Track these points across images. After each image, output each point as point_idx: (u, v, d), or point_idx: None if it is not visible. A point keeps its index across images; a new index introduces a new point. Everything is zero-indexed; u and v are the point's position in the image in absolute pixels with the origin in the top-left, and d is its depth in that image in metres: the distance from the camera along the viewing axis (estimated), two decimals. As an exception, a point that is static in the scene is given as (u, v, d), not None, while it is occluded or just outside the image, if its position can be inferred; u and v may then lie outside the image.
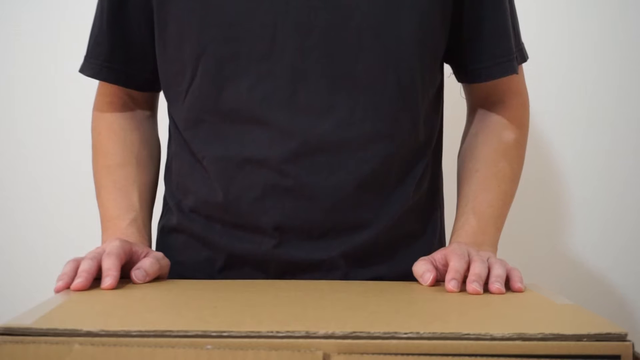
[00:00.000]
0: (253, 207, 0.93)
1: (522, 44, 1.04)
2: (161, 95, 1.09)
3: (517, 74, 1.00)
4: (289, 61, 0.90)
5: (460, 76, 1.05)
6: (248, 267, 0.96)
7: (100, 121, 1.06)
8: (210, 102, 0.93)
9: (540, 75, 1.35)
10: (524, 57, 1.03)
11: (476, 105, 1.06)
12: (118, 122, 1.05)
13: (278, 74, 0.91)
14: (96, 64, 1.02)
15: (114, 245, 0.86)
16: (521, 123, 1.04)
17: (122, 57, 1.01)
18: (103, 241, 0.99)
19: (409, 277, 0.89)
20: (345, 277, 0.95)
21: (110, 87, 1.05)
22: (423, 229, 1.01)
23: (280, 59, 0.90)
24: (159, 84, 1.04)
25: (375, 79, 0.92)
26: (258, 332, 0.59)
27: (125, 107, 1.06)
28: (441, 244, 1.04)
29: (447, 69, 1.05)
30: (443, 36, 0.97)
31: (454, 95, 1.11)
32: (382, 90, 0.92)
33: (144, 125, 1.07)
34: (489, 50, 0.99)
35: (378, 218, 0.95)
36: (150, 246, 1.01)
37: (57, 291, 0.80)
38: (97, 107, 1.07)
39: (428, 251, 0.92)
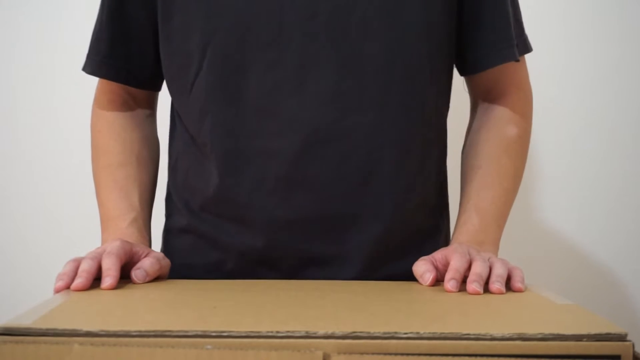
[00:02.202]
0: (265, 201, 0.93)
1: (526, 35, 1.03)
2: (160, 95, 1.09)
3: (517, 61, 1.00)
4: (296, 48, 0.90)
5: (461, 67, 1.04)
6: (260, 266, 0.96)
7: (100, 119, 1.05)
8: (217, 93, 0.93)
9: (539, 76, 1.35)
10: (527, 48, 1.03)
11: (479, 100, 1.06)
12: (119, 121, 1.04)
13: (286, 62, 0.91)
14: (96, 60, 1.02)
15: (114, 246, 0.86)
16: (524, 116, 1.04)
17: (122, 53, 1.01)
18: (103, 241, 0.99)
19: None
20: (359, 274, 0.94)
21: (110, 85, 1.04)
22: (431, 227, 1.01)
23: (288, 46, 0.90)
24: (158, 82, 1.04)
25: (382, 64, 0.92)
26: (258, 332, 0.59)
27: (126, 105, 1.06)
28: (446, 242, 1.04)
29: None
30: (448, 24, 0.97)
31: (456, 93, 1.10)
32: (389, 76, 0.92)
33: (144, 124, 1.07)
34: (488, 37, 0.99)
35: (390, 212, 0.95)
36: (150, 246, 1.01)
37: (57, 291, 0.80)
38: (98, 104, 1.06)
39: (434, 250, 0.92)
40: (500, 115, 1.03)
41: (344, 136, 0.92)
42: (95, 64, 1.02)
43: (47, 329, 0.59)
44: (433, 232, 1.01)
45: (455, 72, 1.05)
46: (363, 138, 0.92)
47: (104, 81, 1.05)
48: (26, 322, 0.60)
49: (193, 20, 0.93)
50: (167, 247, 1.04)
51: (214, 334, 0.59)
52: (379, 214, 0.94)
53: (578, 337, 0.59)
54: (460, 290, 0.81)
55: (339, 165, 0.92)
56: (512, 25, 0.99)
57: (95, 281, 0.82)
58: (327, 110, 0.91)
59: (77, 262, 0.84)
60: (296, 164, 0.91)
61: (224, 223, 0.96)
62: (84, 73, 1.04)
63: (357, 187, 0.93)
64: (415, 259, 0.91)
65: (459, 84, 1.08)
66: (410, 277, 0.91)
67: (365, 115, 0.92)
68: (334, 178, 0.92)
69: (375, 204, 0.94)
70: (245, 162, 0.93)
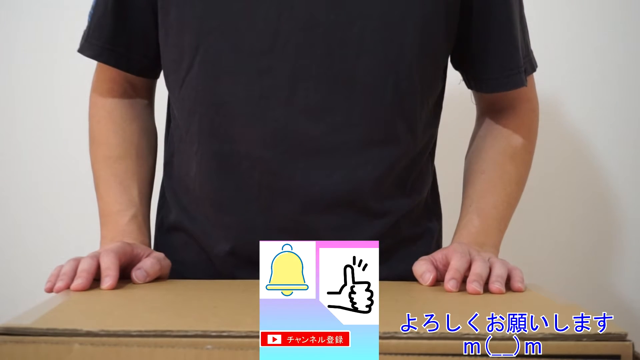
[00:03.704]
0: (247, 207, 0.93)
1: (531, 52, 1.03)
2: (159, 86, 1.09)
3: (525, 86, 1.00)
4: (290, 58, 0.90)
5: (469, 84, 1.04)
6: (240, 271, 0.96)
7: (99, 108, 1.04)
8: (206, 94, 0.93)
9: (541, 76, 1.35)
10: (533, 67, 1.03)
11: (486, 110, 1.06)
12: (118, 111, 1.03)
13: (278, 71, 0.90)
14: (98, 45, 1.00)
15: (113, 245, 0.87)
16: (530, 128, 1.04)
17: (124, 40, 1.00)
18: (102, 237, 0.98)
19: (407, 278, 0.89)
20: None
21: (110, 73, 1.03)
22: (420, 233, 1.01)
23: (281, 55, 0.90)
24: (157, 71, 1.03)
25: (374, 82, 0.91)
26: (258, 332, 0.59)
27: (125, 94, 1.04)
28: (438, 247, 1.04)
29: (458, 76, 1.05)
30: (446, 46, 0.96)
31: (453, 98, 1.10)
32: (381, 94, 0.92)
33: (143, 114, 1.06)
34: (496, 63, 0.98)
35: (373, 224, 0.95)
36: (150, 242, 1.01)
37: (57, 291, 0.80)
38: (96, 93, 1.05)
39: (424, 254, 0.91)
40: (506, 125, 1.03)
41: (329, 150, 0.91)
42: (97, 48, 1.00)
43: (47, 329, 0.59)
44: (420, 237, 1.01)
45: (460, 83, 1.06)
46: (349, 154, 0.92)
47: (104, 69, 1.04)
48: (26, 322, 0.60)
49: (187, 19, 0.93)
50: (159, 243, 1.04)
51: (214, 334, 0.59)
52: (360, 227, 0.94)
53: (578, 337, 0.59)
54: (460, 290, 0.81)
55: (322, 179, 0.92)
56: (520, 50, 0.98)
57: (95, 281, 0.82)
58: (315, 123, 0.91)
59: (77, 262, 0.83)
60: (280, 173, 0.91)
61: (208, 224, 0.96)
62: (83, 73, 1.04)
63: (339, 202, 0.93)
64: (402, 265, 0.91)
65: (459, 88, 1.08)
66: (397, 279, 0.90)
67: (352, 131, 0.92)
68: (316, 191, 0.92)
69: (357, 217, 0.94)
70: (229, 166, 0.93)
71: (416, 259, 0.90)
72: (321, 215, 0.93)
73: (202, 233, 0.98)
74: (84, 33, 1.01)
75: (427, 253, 0.93)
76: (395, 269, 0.94)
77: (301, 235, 0.92)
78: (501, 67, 0.98)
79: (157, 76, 1.06)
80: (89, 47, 1.01)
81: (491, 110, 1.05)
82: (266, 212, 0.93)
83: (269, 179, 0.92)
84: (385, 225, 0.96)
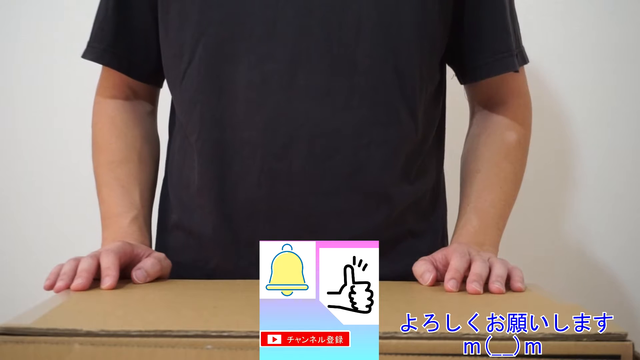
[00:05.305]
0: (249, 193, 0.93)
1: (523, 46, 1.04)
2: (162, 94, 1.09)
3: (517, 71, 1.01)
4: (289, 43, 0.91)
5: (462, 76, 1.05)
6: (242, 261, 0.96)
7: (102, 115, 1.05)
8: (207, 83, 0.93)
9: (540, 76, 1.35)
10: (524, 59, 1.04)
11: (478, 107, 1.06)
12: (120, 117, 1.04)
13: (278, 56, 0.91)
14: (99, 48, 1.02)
15: (114, 245, 0.87)
16: (523, 124, 1.04)
17: (125, 44, 1.01)
18: (103, 239, 0.99)
19: (409, 277, 0.89)
20: None
21: (113, 79, 1.04)
22: (425, 229, 1.01)
23: (281, 41, 0.91)
24: (160, 77, 1.04)
25: (374, 64, 0.92)
26: (258, 332, 0.59)
27: (128, 100, 1.05)
28: (443, 245, 1.04)
29: (450, 70, 1.05)
30: (442, 29, 0.97)
31: (455, 97, 1.10)
32: (381, 76, 0.92)
33: (146, 120, 1.07)
34: (489, 47, 1.00)
35: (377, 211, 0.95)
36: (151, 244, 1.02)
37: (57, 291, 0.80)
38: (99, 99, 1.06)
39: (429, 251, 0.92)
40: (500, 122, 1.03)
41: (331, 133, 0.92)
42: (99, 51, 1.02)
43: (47, 329, 0.59)
44: (426, 233, 1.01)
45: (452, 78, 1.06)
46: (350, 136, 0.92)
47: (107, 75, 1.05)
48: (26, 322, 0.60)
49: (188, 13, 0.94)
50: (161, 244, 1.04)
51: (214, 334, 0.59)
52: (364, 212, 0.94)
53: (578, 337, 0.59)
54: (460, 290, 0.81)
55: (324, 161, 0.92)
56: (511, 35, 1.00)
57: (95, 281, 0.82)
58: (316, 106, 0.91)
59: (77, 262, 0.84)
60: (281, 157, 0.92)
61: (209, 215, 0.96)
62: (83, 73, 1.04)
63: (342, 185, 0.93)
64: (406, 260, 0.91)
65: (459, 88, 1.08)
66: (399, 279, 0.90)
67: (354, 114, 0.92)
68: (319, 174, 0.92)
69: (361, 202, 0.94)
70: (231, 153, 0.93)
71: (420, 256, 0.90)
72: (325, 199, 0.93)
73: (203, 226, 0.98)
74: (89, 39, 1.02)
75: (431, 250, 0.93)
76: (397, 265, 0.94)
77: (304, 220, 0.93)
78: (494, 50, 1.00)
79: (160, 85, 1.07)
80: (91, 51, 1.02)
81: (484, 107, 1.06)
82: (268, 197, 0.93)
83: (270, 164, 0.92)
84: (391, 213, 0.96)
